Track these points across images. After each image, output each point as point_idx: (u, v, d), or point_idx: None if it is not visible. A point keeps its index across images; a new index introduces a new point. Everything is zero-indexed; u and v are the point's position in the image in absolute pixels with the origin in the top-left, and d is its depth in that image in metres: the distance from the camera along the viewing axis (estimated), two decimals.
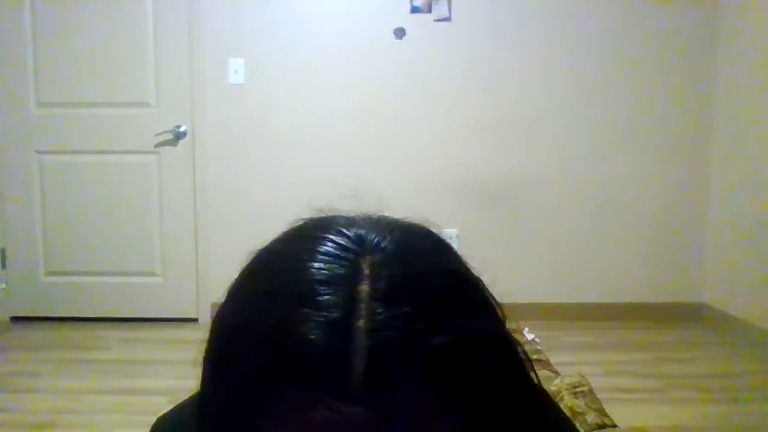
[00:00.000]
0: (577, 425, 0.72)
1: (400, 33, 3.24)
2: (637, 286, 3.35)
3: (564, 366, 1.72)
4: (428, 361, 0.31)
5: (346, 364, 0.31)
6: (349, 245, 0.36)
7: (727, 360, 2.74)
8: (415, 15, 3.23)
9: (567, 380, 1.44)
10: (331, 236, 0.37)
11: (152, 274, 3.30)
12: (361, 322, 0.32)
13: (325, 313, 0.32)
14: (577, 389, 1.77)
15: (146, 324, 3.23)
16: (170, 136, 3.21)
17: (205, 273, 3.29)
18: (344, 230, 0.38)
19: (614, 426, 1.71)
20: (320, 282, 0.34)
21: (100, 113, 3.21)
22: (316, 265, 0.35)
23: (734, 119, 3.15)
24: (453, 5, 3.22)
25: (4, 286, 3.29)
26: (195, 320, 3.29)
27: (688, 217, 3.35)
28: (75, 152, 3.24)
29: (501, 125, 3.28)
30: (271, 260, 0.39)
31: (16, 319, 3.29)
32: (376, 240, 0.37)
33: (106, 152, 3.24)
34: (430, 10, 3.23)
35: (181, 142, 3.23)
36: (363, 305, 0.32)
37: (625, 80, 3.28)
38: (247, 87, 3.25)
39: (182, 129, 3.21)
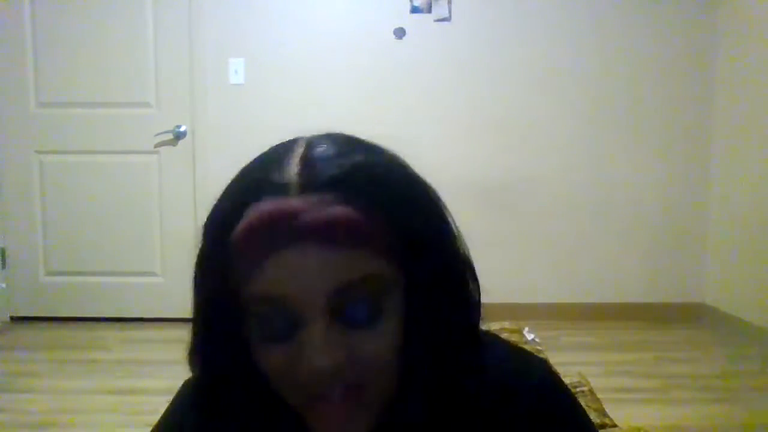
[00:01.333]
0: None
1: (400, 33, 3.24)
2: (637, 286, 3.35)
3: (564, 366, 1.71)
4: (337, 174, 0.47)
5: (286, 181, 0.47)
6: (291, 139, 0.54)
7: (727, 360, 2.74)
8: (415, 15, 3.23)
9: (567, 380, 1.44)
10: (279, 143, 0.54)
11: (152, 274, 3.30)
12: (296, 160, 0.49)
13: (273, 163, 0.50)
14: (577, 389, 1.77)
15: (146, 324, 3.23)
16: (170, 136, 3.21)
17: None
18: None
19: (614, 426, 1.71)
20: (269, 153, 0.52)
21: (100, 113, 3.21)
22: (268, 150, 0.53)
23: (734, 119, 3.15)
24: (453, 5, 3.23)
25: (4, 286, 3.29)
26: None
27: (688, 217, 3.35)
28: (75, 152, 3.24)
29: (501, 125, 3.28)
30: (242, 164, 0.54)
31: (16, 319, 3.29)
32: (309, 136, 0.55)
33: (106, 152, 3.24)
34: (430, 10, 3.23)
35: (181, 142, 3.23)
36: (298, 153, 0.50)
37: (625, 80, 3.28)
38: (247, 87, 3.25)
39: (182, 129, 3.21)
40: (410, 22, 3.23)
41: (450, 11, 3.23)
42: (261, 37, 3.24)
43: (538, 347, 1.71)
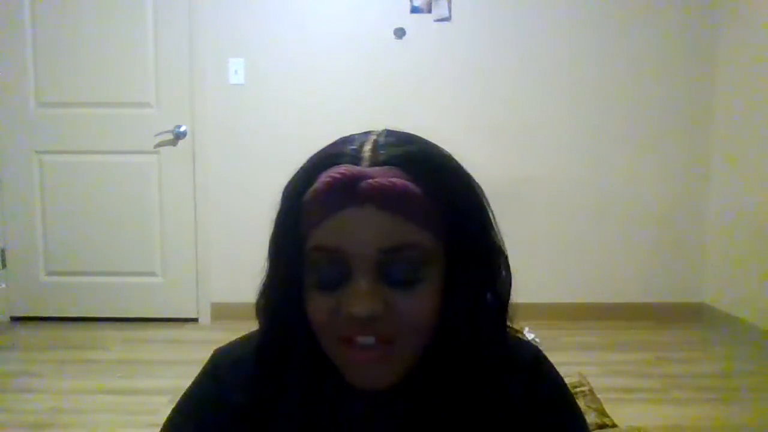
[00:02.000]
0: None
1: (400, 33, 3.24)
2: (636, 286, 3.35)
3: (564, 366, 1.71)
4: (403, 155, 0.56)
5: (359, 156, 0.56)
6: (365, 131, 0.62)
7: (727, 360, 2.74)
8: (415, 15, 3.23)
9: (567, 380, 1.44)
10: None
11: (152, 274, 3.30)
12: (370, 144, 0.58)
13: (351, 143, 0.59)
14: (577, 389, 1.77)
15: (146, 324, 3.23)
16: (170, 136, 3.21)
17: (205, 273, 3.29)
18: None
19: (614, 426, 1.72)
20: (349, 136, 0.61)
21: (100, 113, 3.21)
22: (348, 135, 0.61)
23: (734, 119, 3.15)
24: (453, 5, 3.22)
25: (4, 286, 3.29)
26: (195, 320, 3.29)
27: (688, 217, 3.35)
28: (75, 152, 3.24)
29: (501, 125, 3.28)
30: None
31: (16, 319, 3.29)
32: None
33: (106, 152, 3.24)
34: (430, 10, 3.23)
35: (181, 142, 3.23)
36: (372, 138, 0.59)
37: (625, 80, 3.28)
38: (247, 87, 3.25)
39: (182, 129, 3.21)
40: (410, 22, 3.23)
41: (450, 11, 3.23)
42: (261, 37, 3.24)
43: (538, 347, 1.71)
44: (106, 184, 3.25)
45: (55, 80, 3.20)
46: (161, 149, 3.23)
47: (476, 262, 0.58)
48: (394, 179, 0.54)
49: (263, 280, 0.62)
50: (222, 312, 3.20)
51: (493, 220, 0.62)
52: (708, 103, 3.28)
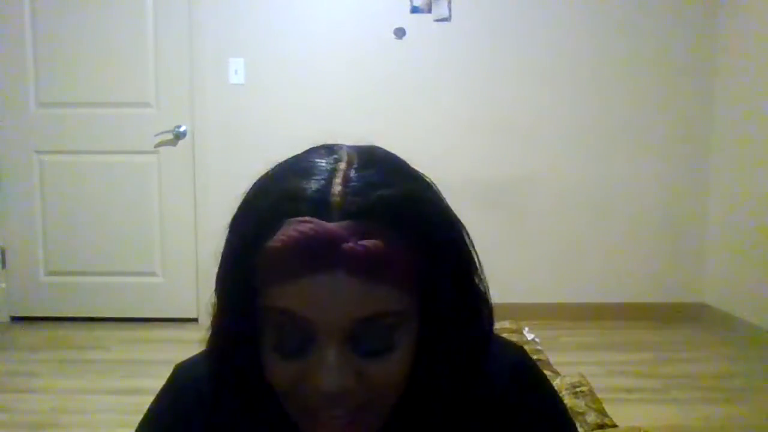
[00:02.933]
0: (577, 425, 0.73)
1: (400, 33, 3.24)
2: (637, 286, 3.35)
3: (564, 366, 1.72)
4: (379, 203, 0.48)
5: (327, 201, 0.48)
6: (331, 148, 0.55)
7: (727, 360, 2.74)
8: (415, 15, 3.23)
9: (567, 380, 1.44)
10: (319, 149, 0.55)
11: (152, 274, 3.30)
12: (339, 179, 0.49)
13: (315, 177, 0.49)
14: (577, 389, 1.77)
15: (146, 324, 3.23)
16: (170, 136, 3.21)
17: (205, 273, 3.29)
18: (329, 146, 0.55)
19: (614, 426, 1.71)
20: (312, 162, 0.51)
21: (100, 113, 3.21)
22: (310, 157, 0.53)
23: (734, 119, 3.15)
24: (453, 5, 3.22)
25: (4, 286, 3.29)
26: (195, 320, 3.29)
27: (688, 217, 3.35)
28: (75, 152, 3.24)
29: (501, 125, 3.28)
30: (277, 163, 0.56)
31: (16, 319, 3.29)
32: (350, 149, 0.55)
33: (106, 152, 3.24)
34: (430, 10, 3.23)
35: (181, 142, 3.23)
36: (341, 172, 0.50)
37: (625, 80, 3.28)
38: (247, 87, 3.25)
39: (182, 129, 3.21)
40: (410, 22, 3.23)
41: (450, 11, 3.23)
42: (261, 37, 3.24)
43: (538, 347, 1.71)
44: (106, 184, 3.25)
45: (55, 80, 3.20)
46: (161, 149, 3.23)
47: (457, 316, 0.53)
48: (369, 244, 0.46)
49: (212, 318, 0.56)
50: None
51: (479, 264, 0.56)
52: (708, 103, 3.28)
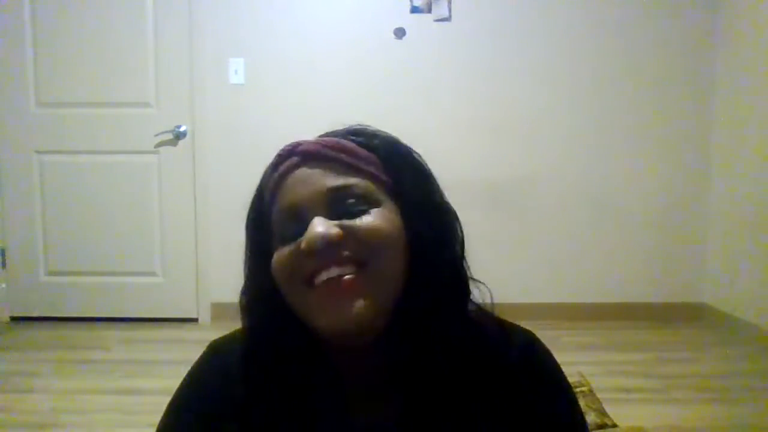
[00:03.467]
0: None
1: (400, 33, 3.24)
2: (637, 286, 3.35)
3: (564, 366, 1.71)
4: (350, 133, 0.65)
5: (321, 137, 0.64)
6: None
7: (727, 360, 2.74)
8: (415, 15, 3.23)
9: None
10: None
11: (152, 274, 3.30)
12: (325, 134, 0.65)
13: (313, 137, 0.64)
14: (577, 389, 1.77)
15: (146, 324, 3.23)
16: (170, 136, 3.21)
17: (205, 273, 3.29)
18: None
19: (614, 426, 1.72)
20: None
21: (100, 113, 3.21)
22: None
23: (734, 119, 3.15)
24: (453, 5, 3.22)
25: (4, 286, 3.29)
26: (195, 320, 3.29)
27: (688, 217, 3.35)
28: (75, 152, 3.24)
29: (501, 125, 3.28)
30: None
31: (16, 319, 3.29)
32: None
33: (106, 152, 3.24)
34: (430, 10, 3.23)
35: (181, 142, 3.23)
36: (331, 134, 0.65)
37: (625, 80, 3.28)
38: (247, 87, 3.25)
39: (182, 129, 3.21)
40: (410, 22, 3.23)
41: (450, 11, 3.23)
42: (261, 37, 3.24)
43: None
44: (106, 184, 3.25)
45: (55, 80, 3.20)
46: (161, 149, 3.23)
47: (430, 222, 0.60)
48: (336, 141, 0.61)
49: (244, 280, 0.64)
50: (222, 312, 3.20)
51: (437, 187, 0.66)
52: (708, 103, 3.28)
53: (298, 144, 0.62)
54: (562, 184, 3.32)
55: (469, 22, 3.24)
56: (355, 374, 0.61)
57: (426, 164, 0.66)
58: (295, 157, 0.61)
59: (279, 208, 0.60)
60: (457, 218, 0.64)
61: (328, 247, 0.54)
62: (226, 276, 3.32)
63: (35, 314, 3.28)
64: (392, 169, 0.62)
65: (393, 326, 0.58)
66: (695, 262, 3.35)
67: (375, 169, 0.61)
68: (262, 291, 0.61)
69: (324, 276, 0.55)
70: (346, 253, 0.55)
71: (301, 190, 0.59)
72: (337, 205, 0.58)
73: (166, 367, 2.55)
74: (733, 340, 2.99)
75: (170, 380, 0.74)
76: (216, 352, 0.68)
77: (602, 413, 1.72)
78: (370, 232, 0.56)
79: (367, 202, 0.58)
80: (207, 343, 0.71)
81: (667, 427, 2.06)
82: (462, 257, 0.63)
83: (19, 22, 3.16)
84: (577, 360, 2.48)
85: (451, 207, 0.65)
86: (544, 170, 3.30)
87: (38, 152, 3.24)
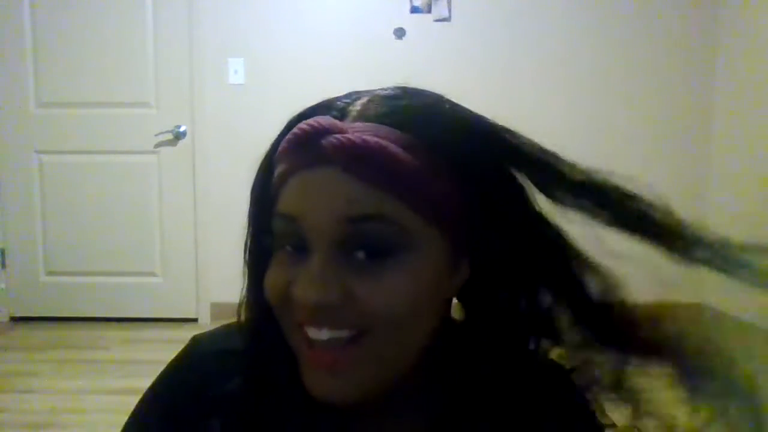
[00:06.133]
0: None
1: (400, 33, 3.24)
2: (637, 286, 3.34)
3: None
4: (400, 110, 0.46)
5: (347, 109, 0.48)
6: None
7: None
8: (415, 15, 3.23)
9: None
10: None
11: (152, 274, 3.30)
12: (366, 97, 0.49)
13: (343, 99, 0.50)
14: None
15: (146, 324, 3.23)
16: (170, 136, 3.21)
17: (205, 273, 3.29)
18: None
19: (613, 426, 1.71)
20: (349, 93, 0.52)
21: (100, 113, 3.21)
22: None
23: (734, 119, 3.15)
24: (453, 5, 3.22)
25: (4, 286, 3.29)
26: (195, 320, 3.29)
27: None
28: (75, 152, 3.24)
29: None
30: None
31: (16, 319, 3.29)
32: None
33: (106, 152, 3.24)
34: (430, 10, 3.23)
35: (181, 142, 3.23)
36: (371, 93, 0.50)
37: (625, 79, 3.28)
38: (247, 87, 3.25)
39: (182, 129, 3.21)
40: (410, 22, 3.23)
41: (450, 11, 3.23)
42: (261, 37, 3.24)
43: None
44: (106, 184, 3.25)
45: (55, 80, 3.20)
46: (161, 149, 3.23)
47: (505, 259, 0.46)
48: (368, 136, 0.43)
49: (244, 280, 0.54)
50: (222, 312, 3.20)
51: (529, 191, 0.49)
52: (707, 102, 3.28)
53: (320, 128, 0.44)
54: None
55: (469, 22, 3.24)
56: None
57: (510, 136, 0.51)
58: (321, 148, 0.43)
59: (279, 209, 0.46)
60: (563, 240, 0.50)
61: (318, 309, 0.43)
62: (225, 276, 3.32)
63: (35, 314, 3.28)
64: (458, 182, 0.45)
65: (425, 380, 0.48)
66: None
67: (423, 187, 0.43)
68: (259, 307, 0.50)
69: (313, 334, 0.44)
70: (345, 316, 0.43)
71: (309, 207, 0.43)
72: (355, 240, 0.43)
73: None
74: (733, 340, 2.98)
75: None
76: (197, 345, 0.59)
77: (602, 413, 1.72)
78: (376, 305, 0.43)
79: (395, 243, 0.43)
80: None
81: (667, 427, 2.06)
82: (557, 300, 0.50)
83: (19, 22, 3.16)
84: None
85: (541, 212, 0.50)
86: None
87: (38, 152, 3.24)
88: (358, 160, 0.42)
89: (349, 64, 3.23)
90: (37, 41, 3.18)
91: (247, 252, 0.52)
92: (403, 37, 3.24)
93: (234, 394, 0.52)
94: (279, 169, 0.46)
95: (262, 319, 0.50)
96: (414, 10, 3.22)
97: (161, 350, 2.86)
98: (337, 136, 0.43)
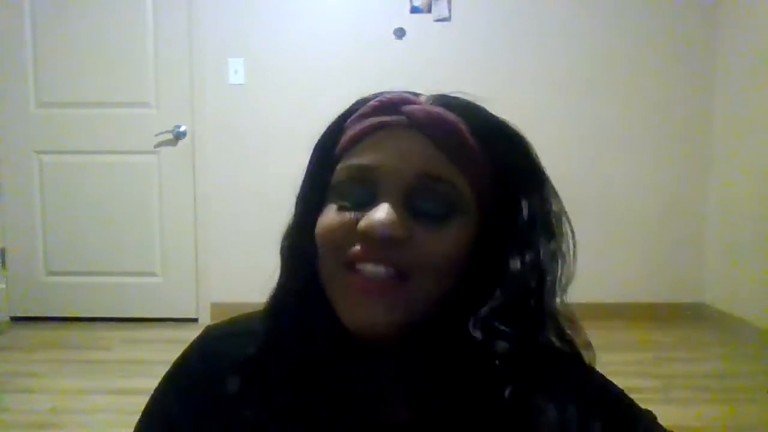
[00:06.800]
0: None
1: (400, 33, 3.24)
2: (636, 286, 3.35)
3: None
4: (459, 105, 0.56)
5: (414, 94, 0.58)
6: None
7: (727, 360, 2.74)
8: (415, 15, 3.23)
9: None
10: None
11: (152, 274, 3.30)
12: (426, 96, 0.58)
13: (406, 92, 0.58)
14: None
15: (146, 324, 3.23)
16: (170, 136, 3.21)
17: (205, 273, 3.29)
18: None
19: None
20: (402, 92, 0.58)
21: (100, 113, 3.21)
22: None
23: (734, 119, 3.15)
24: (453, 5, 3.22)
25: (4, 286, 3.29)
26: (195, 320, 3.29)
27: (687, 216, 3.35)
28: (75, 152, 3.24)
29: None
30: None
31: (16, 319, 3.29)
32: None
33: (106, 152, 3.24)
34: (430, 10, 3.23)
35: (181, 142, 3.23)
36: (427, 95, 0.58)
37: (625, 79, 3.28)
38: (247, 87, 3.25)
39: (182, 129, 3.21)
40: (410, 22, 3.23)
41: (450, 11, 3.23)
42: (261, 37, 3.24)
43: None
44: (106, 184, 3.25)
45: (55, 80, 3.20)
46: (161, 149, 3.23)
47: (525, 229, 0.55)
48: (444, 112, 0.53)
49: (288, 223, 0.58)
50: (222, 312, 3.19)
51: (555, 198, 0.60)
52: (708, 102, 3.28)
53: (401, 98, 0.54)
54: (561, 184, 3.26)
55: (469, 22, 3.24)
56: (381, 370, 0.53)
57: (545, 174, 0.60)
58: (406, 113, 0.52)
59: (351, 163, 0.51)
60: (560, 217, 0.59)
61: (382, 242, 0.47)
62: (225, 276, 3.34)
63: (35, 314, 3.28)
64: (492, 167, 0.53)
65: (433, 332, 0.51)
66: (695, 262, 3.35)
67: (477, 168, 0.52)
68: (303, 246, 0.54)
69: (366, 272, 0.48)
70: (396, 256, 0.48)
71: (388, 157, 0.50)
72: (419, 195, 0.50)
73: (166, 368, 2.54)
74: (733, 340, 2.99)
75: None
76: (209, 336, 0.61)
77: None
78: (431, 253, 0.49)
79: (452, 203, 0.50)
80: None
81: (667, 427, 2.06)
82: (552, 290, 0.57)
83: (19, 22, 3.16)
84: None
85: (555, 204, 0.60)
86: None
87: (38, 152, 3.24)
88: (436, 128, 0.52)
89: (349, 64, 3.23)
90: (37, 41, 3.18)
91: (301, 201, 0.57)
92: (403, 37, 3.24)
93: (253, 356, 0.55)
94: (353, 131, 0.54)
95: (300, 265, 0.54)
96: (414, 10, 3.22)
97: (161, 350, 2.86)
98: (420, 106, 0.53)
